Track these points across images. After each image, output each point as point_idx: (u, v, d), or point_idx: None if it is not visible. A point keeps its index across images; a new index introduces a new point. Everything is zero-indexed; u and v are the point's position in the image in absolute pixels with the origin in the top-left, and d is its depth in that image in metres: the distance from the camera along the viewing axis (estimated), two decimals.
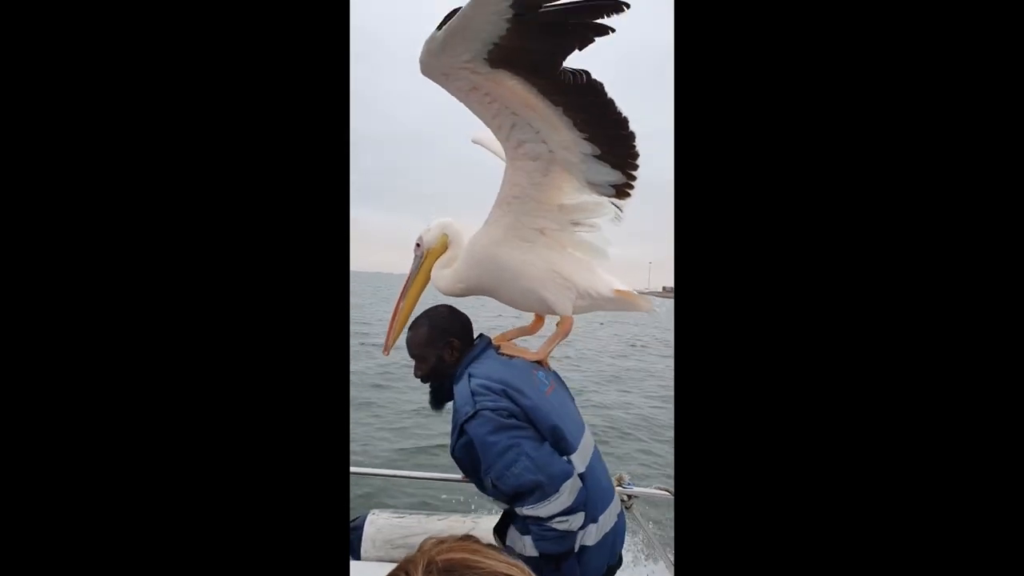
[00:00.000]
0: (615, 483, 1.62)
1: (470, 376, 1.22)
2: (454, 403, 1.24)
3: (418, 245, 1.37)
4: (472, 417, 1.16)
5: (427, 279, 1.37)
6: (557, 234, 1.28)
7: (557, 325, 1.35)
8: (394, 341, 1.37)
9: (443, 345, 1.30)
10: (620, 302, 1.36)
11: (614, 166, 1.15)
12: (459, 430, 1.19)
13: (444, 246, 1.36)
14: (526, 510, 1.14)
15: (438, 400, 1.35)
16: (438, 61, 1.01)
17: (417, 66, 1.03)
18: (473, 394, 1.18)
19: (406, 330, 1.35)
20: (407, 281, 1.38)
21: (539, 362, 1.33)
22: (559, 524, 1.12)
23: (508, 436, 1.14)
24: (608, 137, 1.10)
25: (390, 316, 1.36)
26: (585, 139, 1.10)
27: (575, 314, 1.33)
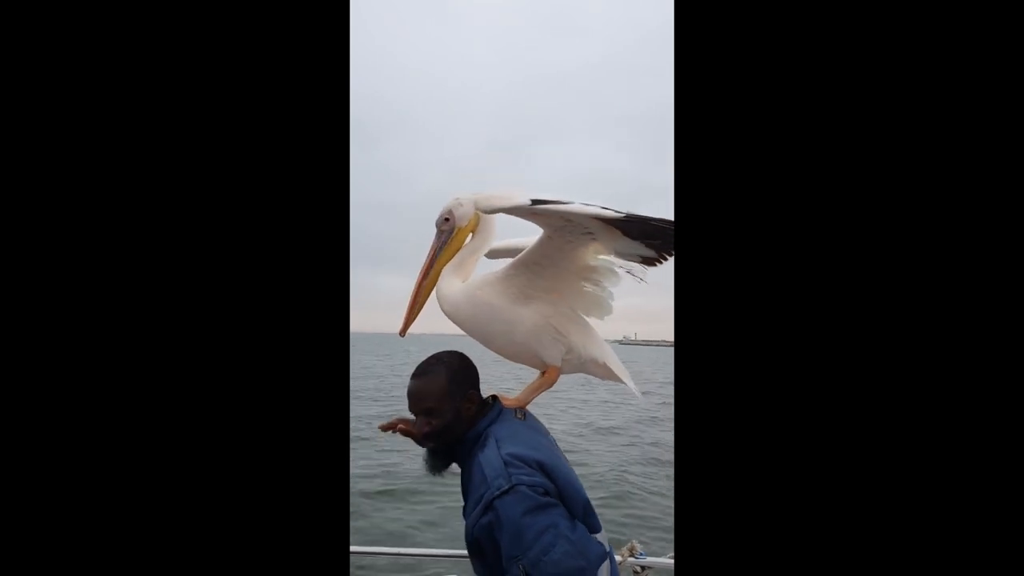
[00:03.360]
0: (626, 553, 1.54)
1: (498, 443, 1.07)
2: (476, 472, 1.06)
3: (447, 220, 1.21)
4: (506, 493, 0.99)
5: (450, 258, 1.24)
6: (564, 290, 1.23)
7: (542, 374, 1.26)
8: (411, 323, 1.24)
9: (461, 398, 1.14)
10: (607, 371, 1.29)
11: (648, 246, 1.16)
12: (485, 506, 1.01)
13: (473, 228, 1.23)
14: None
15: (444, 463, 1.17)
16: (505, 208, 1.06)
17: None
18: (506, 465, 1.02)
19: (409, 378, 1.18)
20: (430, 258, 1.23)
21: (522, 411, 1.25)
22: None
23: (546, 516, 0.99)
24: (653, 235, 1.14)
25: (411, 295, 1.23)
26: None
27: (562, 373, 1.27)
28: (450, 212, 1.21)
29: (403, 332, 1.23)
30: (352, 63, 0.68)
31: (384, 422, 1.28)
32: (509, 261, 1.25)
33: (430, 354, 1.21)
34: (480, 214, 1.22)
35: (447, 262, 1.23)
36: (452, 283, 1.22)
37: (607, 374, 1.29)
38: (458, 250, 1.23)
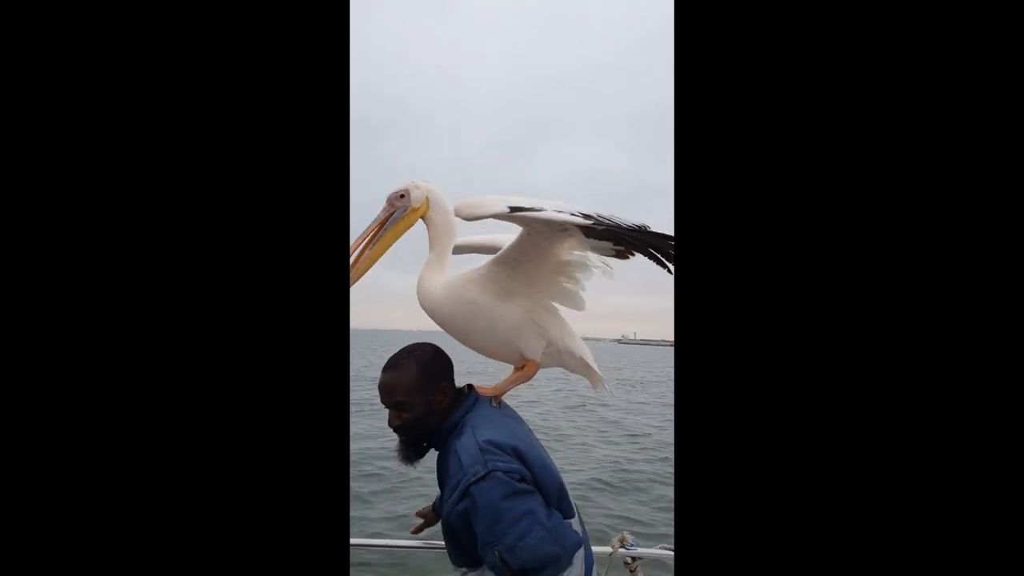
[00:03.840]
0: (617, 545, 1.55)
1: (474, 430, 1.09)
2: (453, 460, 1.08)
3: (402, 196, 1.22)
4: (482, 479, 1.01)
5: (398, 236, 1.24)
6: (543, 285, 1.27)
7: (518, 369, 1.28)
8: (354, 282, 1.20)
9: (433, 391, 1.14)
10: (582, 364, 1.32)
11: (617, 244, 1.21)
12: (462, 493, 1.03)
13: (423, 214, 1.25)
14: None
15: (416, 454, 1.19)
16: (486, 215, 1.12)
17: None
18: (482, 452, 1.04)
19: (381, 372, 1.16)
20: (375, 229, 1.21)
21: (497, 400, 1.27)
22: None
23: (522, 503, 1.01)
24: (617, 239, 1.18)
25: (354, 254, 1.19)
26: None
27: (541, 367, 1.29)
28: (406, 190, 1.22)
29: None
30: (352, 61, 0.68)
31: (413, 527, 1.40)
32: (473, 257, 1.29)
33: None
34: (429, 202, 1.24)
35: (394, 239, 1.24)
36: (434, 280, 1.23)
37: (582, 368, 1.32)
38: (406, 230, 1.24)
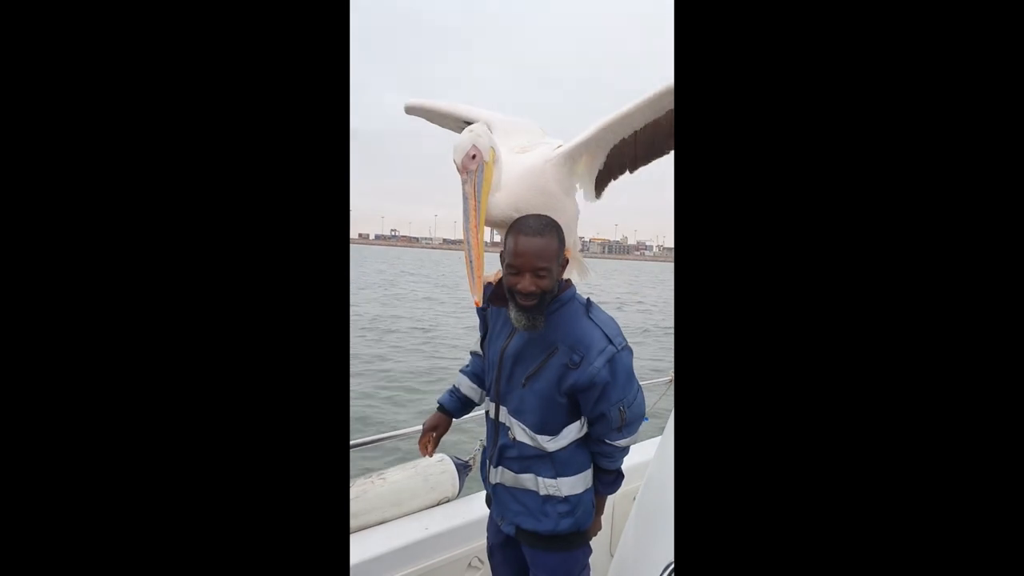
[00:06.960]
0: None
1: (595, 305, 1.24)
2: (593, 331, 1.18)
3: (473, 157, 1.11)
4: (623, 349, 1.20)
5: (486, 199, 1.15)
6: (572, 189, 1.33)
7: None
8: (481, 285, 1.15)
9: (561, 261, 1.18)
10: (577, 259, 1.43)
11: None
12: (608, 359, 1.16)
13: (493, 159, 1.16)
14: (623, 441, 1.24)
15: (541, 318, 1.18)
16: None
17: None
18: (619, 327, 1.23)
19: (513, 236, 1.13)
20: (472, 206, 1.12)
21: None
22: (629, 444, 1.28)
23: (632, 368, 1.22)
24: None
25: (467, 256, 1.12)
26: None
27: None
28: (475, 148, 1.12)
29: (479, 299, 1.16)
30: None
31: (425, 443, 1.42)
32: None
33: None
34: (493, 147, 1.16)
35: (485, 201, 1.15)
36: (498, 196, 1.18)
37: (577, 261, 1.41)
38: (490, 184, 1.15)
